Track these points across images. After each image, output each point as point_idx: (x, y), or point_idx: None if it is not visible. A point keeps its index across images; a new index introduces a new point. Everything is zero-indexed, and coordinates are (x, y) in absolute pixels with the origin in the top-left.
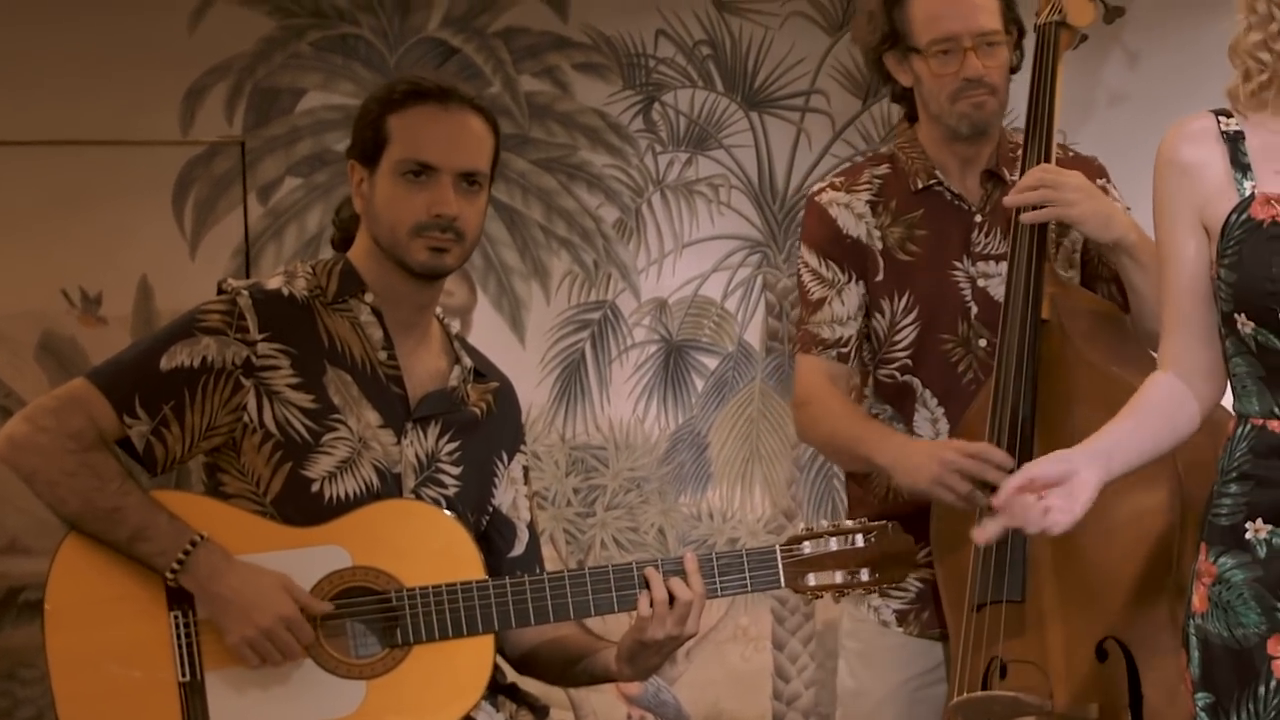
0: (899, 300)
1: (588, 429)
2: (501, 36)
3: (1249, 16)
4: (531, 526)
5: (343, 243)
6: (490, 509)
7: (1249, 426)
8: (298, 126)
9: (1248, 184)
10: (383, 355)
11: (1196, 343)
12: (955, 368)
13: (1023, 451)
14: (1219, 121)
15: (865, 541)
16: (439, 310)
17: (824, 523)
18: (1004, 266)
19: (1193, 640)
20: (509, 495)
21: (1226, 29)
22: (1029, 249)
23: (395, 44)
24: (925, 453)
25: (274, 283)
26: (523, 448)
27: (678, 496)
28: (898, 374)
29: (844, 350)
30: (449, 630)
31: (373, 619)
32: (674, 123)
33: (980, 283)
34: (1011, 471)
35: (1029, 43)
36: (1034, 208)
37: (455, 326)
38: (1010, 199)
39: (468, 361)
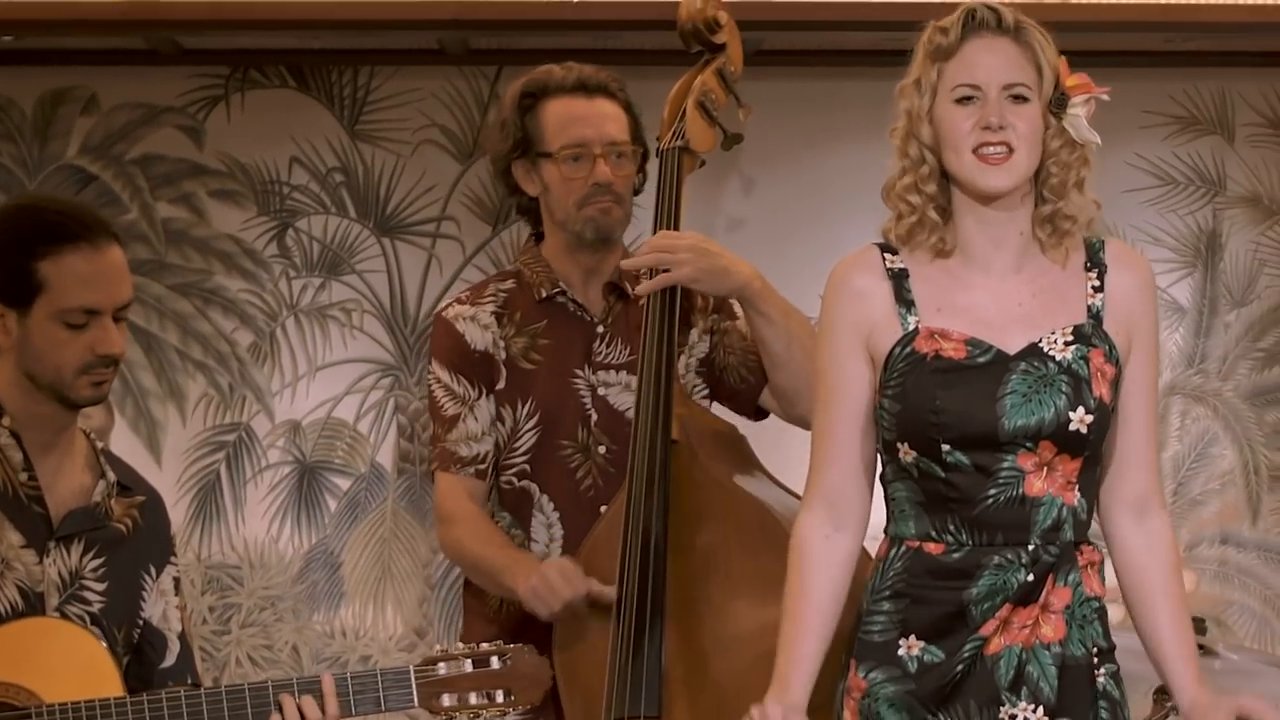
0: (521, 408)
1: (223, 548)
2: (138, 164)
3: (902, 160)
4: (183, 637)
5: None
6: (140, 622)
7: (904, 548)
8: None
9: (912, 319)
10: (23, 477)
11: (852, 473)
12: (574, 474)
13: (656, 568)
14: (884, 258)
15: (500, 664)
16: (86, 427)
17: (460, 645)
18: (624, 375)
19: None
20: (159, 607)
21: (836, 157)
22: (657, 369)
23: (34, 171)
24: (536, 574)
25: None
26: (173, 559)
27: (311, 615)
28: (515, 480)
29: (481, 467)
30: None
31: None
32: (308, 248)
33: (601, 391)
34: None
35: (652, 166)
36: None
37: (101, 442)
38: (627, 263)
39: (112, 476)
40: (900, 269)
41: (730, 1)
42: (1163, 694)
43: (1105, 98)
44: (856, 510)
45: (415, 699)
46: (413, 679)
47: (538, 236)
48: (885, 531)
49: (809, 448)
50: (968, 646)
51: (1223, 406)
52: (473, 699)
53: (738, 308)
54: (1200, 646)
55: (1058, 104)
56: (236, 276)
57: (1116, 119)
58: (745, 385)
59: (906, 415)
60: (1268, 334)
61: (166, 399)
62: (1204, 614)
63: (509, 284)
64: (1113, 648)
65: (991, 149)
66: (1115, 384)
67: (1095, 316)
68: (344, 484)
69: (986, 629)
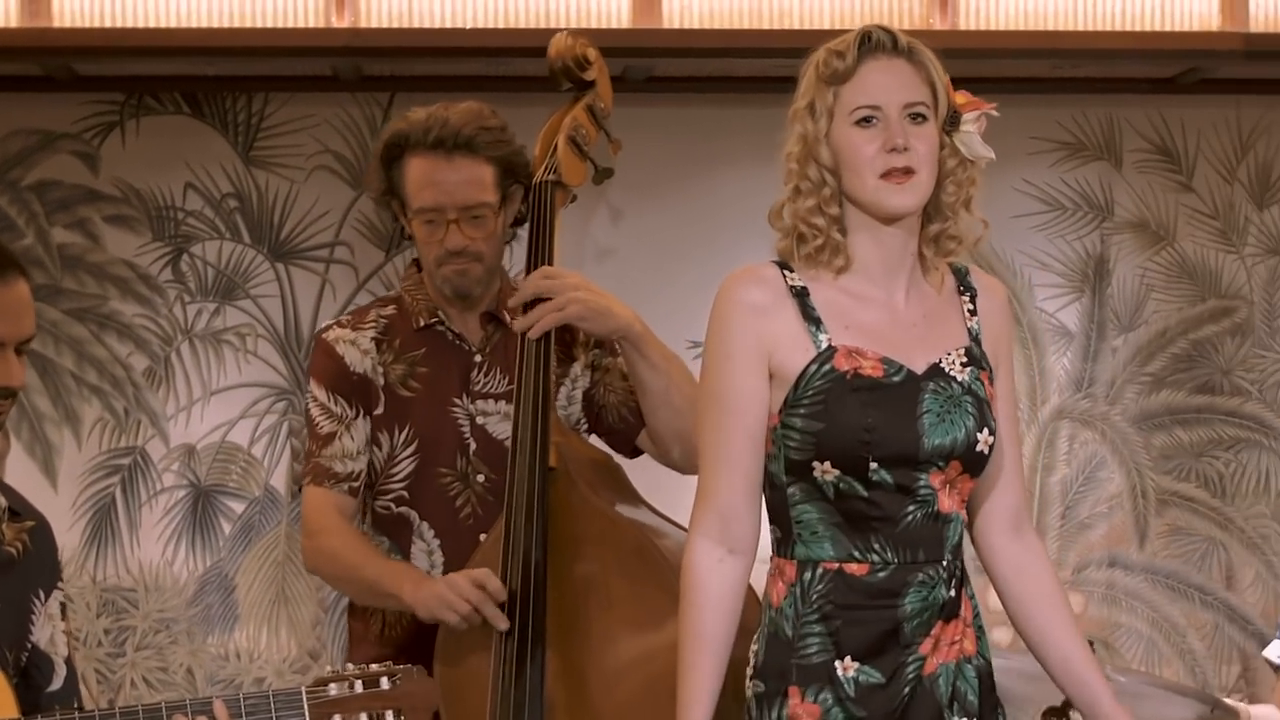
0: (399, 434)
1: (118, 571)
2: (34, 189)
3: (800, 183)
4: (69, 662)
5: None
6: (29, 646)
7: (822, 570)
8: None
9: (823, 337)
10: None
11: (746, 491)
12: (453, 502)
13: (536, 593)
14: (784, 275)
15: (390, 684)
16: None
17: (350, 666)
18: (503, 405)
19: None
20: (46, 632)
21: (727, 182)
22: (534, 397)
23: None
24: (440, 581)
25: None
26: (60, 584)
27: (206, 637)
28: (393, 505)
29: (354, 485)
30: None
31: None
32: (202, 273)
33: (479, 420)
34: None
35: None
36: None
37: None
38: (517, 322)
39: (2, 501)
40: (802, 286)
41: (622, 29)
42: (1051, 715)
43: (995, 113)
44: (749, 529)
45: None
46: (304, 700)
47: (419, 262)
48: (788, 555)
49: (676, 478)
50: (911, 667)
51: (1110, 430)
52: (364, 719)
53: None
54: None
55: (951, 122)
56: (131, 301)
57: (1005, 145)
58: (624, 425)
59: (832, 434)
60: (1155, 358)
61: (62, 423)
62: (1092, 636)
63: (390, 310)
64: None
65: (895, 171)
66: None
67: (975, 339)
68: (238, 507)
69: (925, 648)
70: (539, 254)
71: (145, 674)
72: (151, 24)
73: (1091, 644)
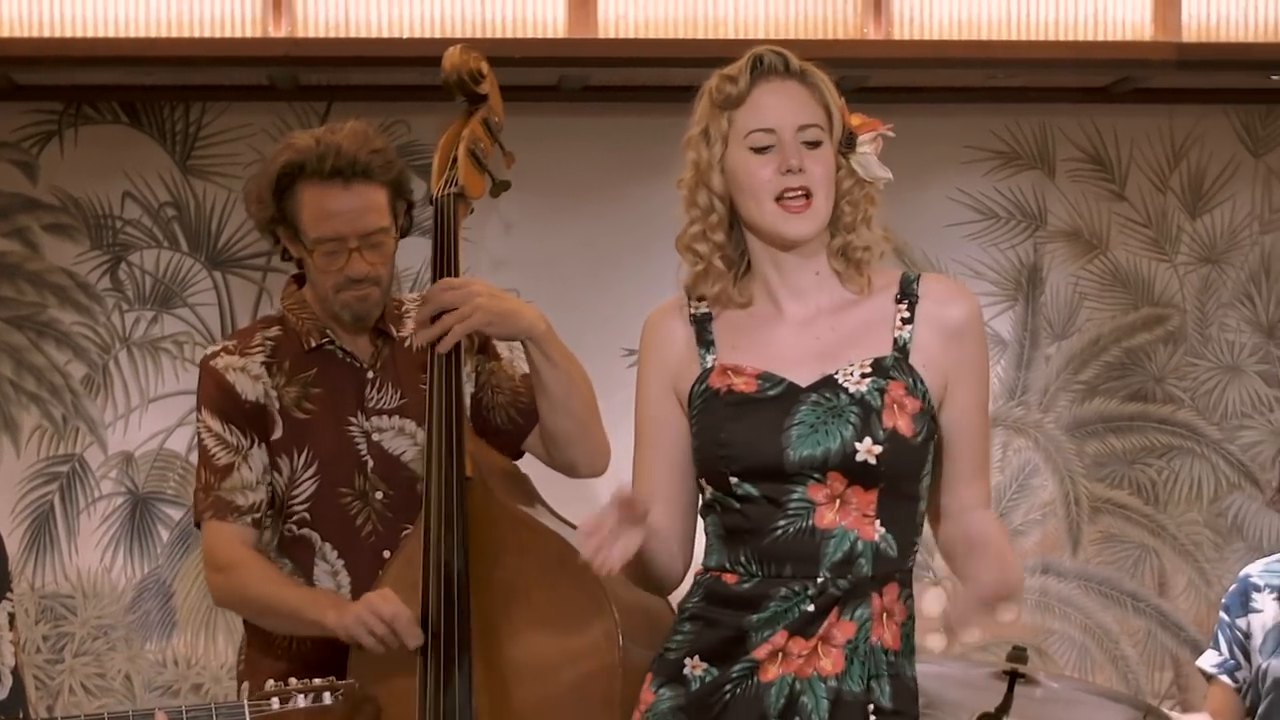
0: (298, 457)
1: (57, 578)
2: None
3: (690, 210)
4: (16, 671)
5: None
6: None
7: (708, 575)
8: None
9: (709, 358)
10: None
11: (671, 512)
12: (354, 521)
13: (460, 602)
14: (690, 304)
15: (332, 699)
16: None
17: (294, 680)
18: (396, 420)
19: None
20: None
21: (661, 191)
22: (447, 408)
23: None
24: (359, 604)
25: None
26: (9, 595)
27: (144, 643)
28: (295, 527)
29: (256, 515)
30: None
31: None
32: (140, 282)
33: (375, 437)
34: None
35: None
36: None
37: None
38: (418, 336)
39: None
40: (704, 313)
41: (558, 39)
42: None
43: (891, 134)
44: (679, 548)
45: None
46: (247, 713)
47: (299, 279)
48: (703, 561)
49: (583, 486)
50: (737, 668)
51: (1043, 438)
52: None
53: (502, 349)
54: (1021, 675)
55: (847, 144)
56: (70, 309)
57: (939, 154)
58: (513, 426)
59: (701, 451)
60: (1088, 366)
61: (0, 431)
62: (1025, 643)
63: (275, 330)
64: (897, 712)
65: (791, 196)
66: (922, 416)
67: (901, 349)
68: (176, 514)
69: (759, 653)
70: (443, 266)
71: (83, 680)
72: (90, 34)
73: (1024, 650)
